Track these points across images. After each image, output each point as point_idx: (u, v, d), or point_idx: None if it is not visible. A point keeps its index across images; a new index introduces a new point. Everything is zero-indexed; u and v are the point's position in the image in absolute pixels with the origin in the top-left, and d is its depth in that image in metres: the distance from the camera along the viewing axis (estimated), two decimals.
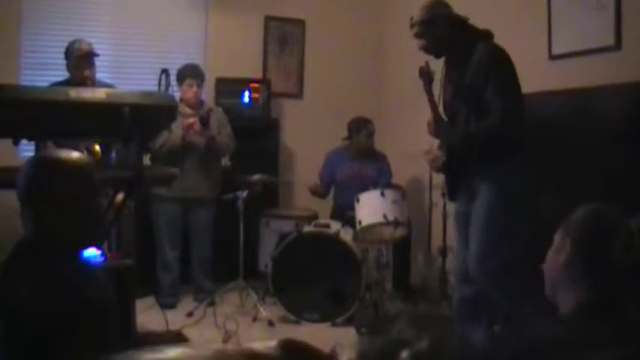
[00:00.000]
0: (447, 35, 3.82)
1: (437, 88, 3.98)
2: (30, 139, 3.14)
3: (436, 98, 3.96)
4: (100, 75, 5.45)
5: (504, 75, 3.63)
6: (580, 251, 1.64)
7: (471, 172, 3.74)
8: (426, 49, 3.90)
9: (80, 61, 4.94)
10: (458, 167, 3.80)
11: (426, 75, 3.91)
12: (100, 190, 2.19)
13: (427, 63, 3.91)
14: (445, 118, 3.96)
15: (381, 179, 5.81)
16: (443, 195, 5.51)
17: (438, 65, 3.99)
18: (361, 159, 6.01)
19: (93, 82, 4.94)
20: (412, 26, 3.89)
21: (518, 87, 3.70)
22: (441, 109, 3.98)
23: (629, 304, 1.59)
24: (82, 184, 2.07)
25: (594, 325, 1.54)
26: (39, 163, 2.10)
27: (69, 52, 5.01)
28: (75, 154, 2.13)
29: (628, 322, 1.56)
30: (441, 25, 3.81)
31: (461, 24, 3.85)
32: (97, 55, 5.06)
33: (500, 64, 3.65)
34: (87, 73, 4.92)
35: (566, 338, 1.46)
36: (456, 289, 4.08)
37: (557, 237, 1.72)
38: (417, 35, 3.89)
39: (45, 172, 2.05)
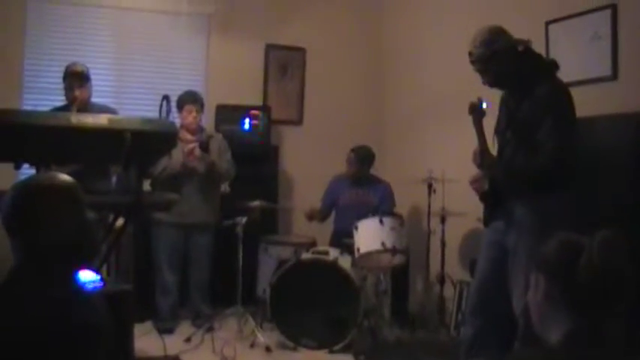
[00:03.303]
0: (511, 68, 3.62)
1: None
2: (31, 164, 3.17)
3: (486, 130, 3.70)
4: (103, 100, 5.49)
5: (561, 116, 3.46)
6: (554, 283, 1.67)
7: (512, 204, 3.59)
8: (491, 85, 3.73)
9: (69, 81, 4.96)
10: (499, 197, 3.65)
11: (476, 112, 3.66)
12: (89, 209, 2.17)
13: (479, 99, 3.67)
14: (495, 145, 3.80)
15: (383, 206, 5.82)
16: (442, 222, 5.55)
17: (490, 93, 3.80)
18: (362, 186, 6.04)
19: (85, 105, 4.93)
20: (473, 62, 3.70)
21: (572, 128, 3.52)
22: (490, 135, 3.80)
23: (614, 325, 1.61)
24: (66, 206, 2.04)
25: (581, 351, 1.55)
26: (20, 189, 2.06)
27: (64, 74, 5.05)
28: (58, 176, 2.10)
29: (615, 344, 1.57)
30: (504, 59, 3.61)
31: (524, 53, 3.67)
32: (87, 77, 5.02)
33: (558, 105, 3.48)
34: (76, 93, 4.89)
35: None
36: (468, 319, 3.93)
37: (532, 276, 1.76)
38: (480, 72, 3.71)
39: (27, 198, 2.02)
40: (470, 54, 3.70)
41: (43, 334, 1.85)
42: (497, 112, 3.82)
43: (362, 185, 6.03)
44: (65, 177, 2.11)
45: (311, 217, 6.10)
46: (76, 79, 4.95)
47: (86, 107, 4.91)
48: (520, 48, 3.67)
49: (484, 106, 3.63)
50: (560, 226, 1.95)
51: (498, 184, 3.63)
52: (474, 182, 3.75)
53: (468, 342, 3.79)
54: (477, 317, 3.77)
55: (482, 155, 3.66)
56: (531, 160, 3.50)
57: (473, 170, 3.78)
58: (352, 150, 6.05)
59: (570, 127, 3.50)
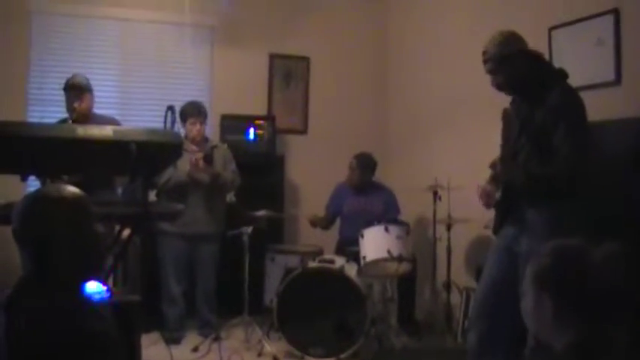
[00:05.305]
0: (523, 73, 3.61)
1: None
2: (37, 176, 3.18)
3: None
4: (107, 111, 5.52)
5: (575, 121, 3.46)
6: (553, 295, 1.65)
7: (524, 210, 3.57)
8: (500, 87, 3.70)
9: (69, 93, 4.99)
10: (510, 204, 3.64)
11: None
12: (98, 221, 2.18)
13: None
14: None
15: (388, 213, 5.82)
16: (447, 229, 5.54)
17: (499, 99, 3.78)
18: (366, 193, 6.03)
19: (86, 116, 4.96)
20: (486, 62, 3.69)
21: (586, 133, 3.52)
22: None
23: (619, 336, 1.60)
24: (76, 218, 2.06)
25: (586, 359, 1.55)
26: (30, 201, 2.08)
27: (64, 87, 5.07)
28: (68, 188, 2.12)
29: (620, 353, 1.57)
30: (518, 62, 3.60)
31: (536, 61, 3.67)
32: (87, 89, 5.07)
33: (572, 110, 3.48)
34: (76, 105, 4.91)
35: None
36: (473, 323, 3.91)
37: (527, 286, 1.72)
38: (491, 72, 3.67)
39: (37, 210, 2.04)
40: (484, 52, 3.68)
41: (51, 345, 1.86)
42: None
43: (365, 193, 6.03)
44: (75, 189, 2.13)
45: (314, 223, 6.11)
46: (73, 91, 4.98)
47: (88, 118, 4.93)
48: (534, 56, 3.67)
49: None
50: (573, 232, 1.95)
51: (514, 192, 3.60)
52: (484, 197, 3.75)
53: (473, 347, 3.78)
54: (482, 322, 3.75)
55: (503, 163, 3.61)
56: (547, 166, 3.48)
57: (478, 177, 3.78)
58: (354, 157, 6.06)
59: (584, 133, 3.50)
